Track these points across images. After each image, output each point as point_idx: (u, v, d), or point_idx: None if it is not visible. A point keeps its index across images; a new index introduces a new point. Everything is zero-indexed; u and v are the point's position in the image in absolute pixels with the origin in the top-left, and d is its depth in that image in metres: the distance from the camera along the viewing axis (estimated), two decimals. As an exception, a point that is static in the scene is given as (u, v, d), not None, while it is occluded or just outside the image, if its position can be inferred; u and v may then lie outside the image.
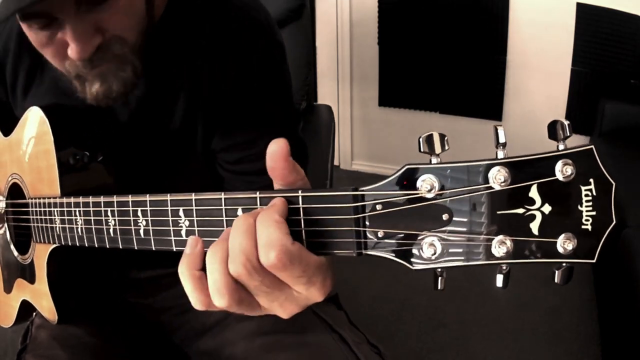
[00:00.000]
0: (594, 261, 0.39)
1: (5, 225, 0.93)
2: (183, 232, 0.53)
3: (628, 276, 1.53)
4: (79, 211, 0.68)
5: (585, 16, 2.18)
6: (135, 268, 0.97)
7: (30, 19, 0.67)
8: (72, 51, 0.67)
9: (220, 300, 0.44)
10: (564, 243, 0.38)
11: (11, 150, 0.89)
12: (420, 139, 0.40)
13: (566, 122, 0.39)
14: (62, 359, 0.85)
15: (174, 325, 0.99)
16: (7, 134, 0.91)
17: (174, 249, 0.55)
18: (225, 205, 0.49)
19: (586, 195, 0.38)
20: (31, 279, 0.86)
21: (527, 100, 2.43)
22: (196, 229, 0.52)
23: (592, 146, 0.39)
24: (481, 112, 2.51)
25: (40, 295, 0.85)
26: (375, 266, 2.16)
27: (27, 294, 0.89)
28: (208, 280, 0.45)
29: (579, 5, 2.17)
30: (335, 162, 2.88)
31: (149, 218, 0.56)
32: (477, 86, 2.47)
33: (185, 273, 0.47)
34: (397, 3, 2.47)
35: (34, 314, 0.95)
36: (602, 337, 1.81)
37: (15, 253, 0.91)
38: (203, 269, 0.47)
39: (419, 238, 0.41)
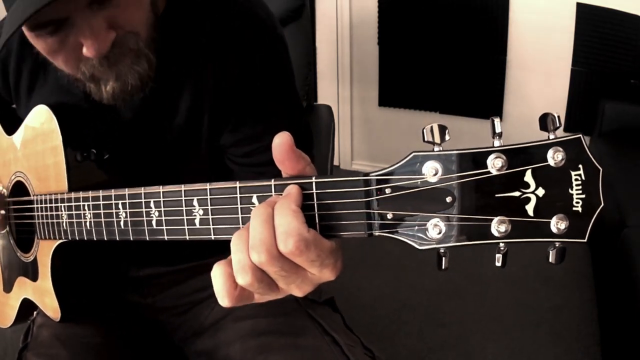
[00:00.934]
0: (584, 240, 0.42)
1: (8, 223, 0.92)
2: (197, 221, 0.55)
3: (628, 276, 1.54)
4: (88, 205, 0.69)
5: (585, 16, 2.19)
6: (135, 266, 0.97)
7: (41, 28, 0.67)
8: (88, 48, 0.68)
9: (244, 278, 0.47)
10: (557, 223, 0.41)
11: (15, 149, 0.89)
12: (424, 130, 0.44)
13: (556, 115, 0.43)
14: (63, 358, 0.85)
15: (173, 325, 1.00)
16: (10, 133, 0.91)
17: (187, 237, 0.56)
18: (240, 194, 0.51)
19: (576, 180, 0.42)
20: (34, 277, 0.86)
21: (527, 100, 2.43)
22: (210, 217, 0.53)
23: (580, 135, 0.42)
24: (481, 112, 2.52)
25: (43, 293, 0.85)
26: (375, 266, 2.16)
27: (28, 292, 0.89)
28: (232, 260, 0.47)
29: (579, 5, 2.18)
30: (335, 162, 2.88)
31: (162, 209, 0.57)
32: (477, 86, 2.48)
33: (221, 269, 0.49)
34: (397, 3, 2.47)
35: (35, 312, 0.95)
36: (602, 337, 1.81)
37: (18, 251, 0.90)
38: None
39: (425, 219, 0.44)
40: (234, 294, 0.48)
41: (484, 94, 2.48)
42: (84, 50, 0.68)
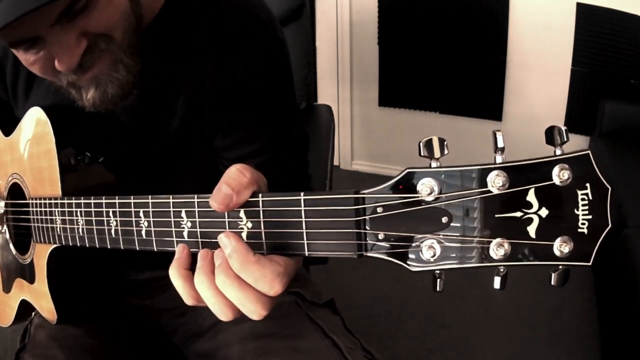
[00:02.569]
0: (589, 264, 0.40)
1: (5, 225, 0.92)
2: (185, 234, 0.54)
3: (628, 276, 1.53)
4: (81, 211, 0.68)
5: (585, 16, 2.18)
6: (134, 269, 0.97)
7: (16, 45, 0.67)
8: (58, 64, 0.68)
9: (226, 315, 0.54)
10: (561, 246, 0.39)
11: (12, 150, 0.89)
12: (420, 144, 0.41)
13: (563, 128, 0.40)
14: (60, 359, 0.85)
15: (171, 327, 0.99)
16: (7, 134, 0.91)
17: (176, 250, 0.55)
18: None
19: (582, 199, 0.39)
20: (31, 279, 0.86)
21: (527, 100, 2.43)
22: (198, 230, 0.52)
23: (589, 151, 0.40)
24: (481, 112, 2.51)
25: (39, 295, 0.85)
26: (375, 266, 2.16)
27: (26, 294, 0.89)
28: (208, 304, 0.53)
29: (579, 5, 2.17)
30: (335, 162, 2.87)
31: (151, 219, 0.56)
32: (477, 86, 2.47)
33: (175, 273, 0.53)
34: (397, 3, 2.47)
35: (33, 313, 0.95)
36: (602, 337, 1.81)
37: (15, 253, 0.91)
38: (190, 268, 0.53)
39: (419, 240, 0.42)
40: (195, 295, 0.53)
41: (484, 94, 2.48)
42: (56, 64, 0.68)
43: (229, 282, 0.50)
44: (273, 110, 0.84)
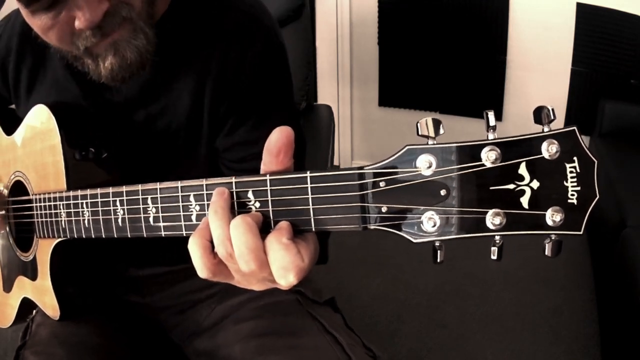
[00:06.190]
0: (580, 233, 0.42)
1: (7, 222, 0.92)
2: (193, 217, 0.55)
3: (628, 276, 1.53)
4: (86, 203, 0.69)
5: (585, 16, 2.19)
6: (134, 266, 0.97)
7: (36, 1, 0.66)
8: (80, 20, 0.66)
9: (225, 249, 0.51)
10: (553, 216, 0.42)
11: (15, 148, 0.89)
12: (418, 124, 0.44)
13: (550, 108, 0.43)
14: (60, 356, 0.85)
15: (171, 324, 1.00)
16: (9, 133, 0.91)
17: (184, 233, 0.56)
18: (236, 189, 0.52)
19: (571, 172, 0.42)
20: (33, 276, 0.86)
21: (527, 100, 2.43)
22: (207, 213, 0.54)
23: (575, 127, 0.42)
24: (481, 112, 2.48)
25: (42, 292, 0.85)
26: (375, 266, 2.16)
27: (28, 292, 0.89)
28: (213, 236, 0.51)
29: (579, 5, 2.18)
30: (335, 162, 2.88)
31: (159, 205, 0.58)
32: (477, 86, 2.48)
33: (195, 242, 0.52)
34: (397, 3, 2.48)
35: (34, 311, 0.95)
36: (602, 337, 1.81)
37: (17, 250, 0.90)
38: (211, 240, 0.52)
39: (420, 212, 0.44)
40: (212, 266, 0.51)
41: (484, 94, 2.49)
42: (77, 22, 0.67)
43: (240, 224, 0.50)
44: (275, 113, 0.85)
